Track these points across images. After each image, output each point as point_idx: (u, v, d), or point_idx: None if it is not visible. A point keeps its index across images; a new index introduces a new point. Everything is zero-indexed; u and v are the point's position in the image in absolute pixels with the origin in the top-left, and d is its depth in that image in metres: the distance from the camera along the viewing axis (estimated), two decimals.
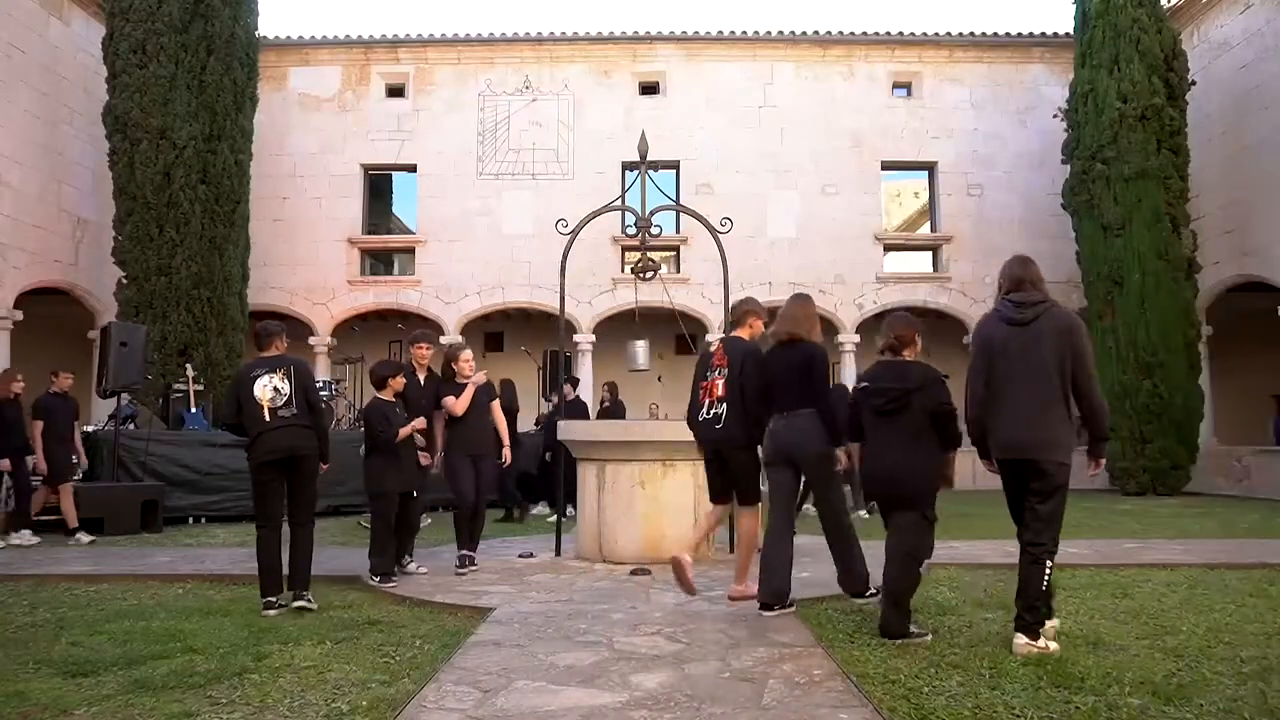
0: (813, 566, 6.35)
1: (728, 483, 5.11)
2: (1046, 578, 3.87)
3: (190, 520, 10.22)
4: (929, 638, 4.10)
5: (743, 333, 5.30)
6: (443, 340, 16.88)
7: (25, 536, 8.35)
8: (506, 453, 6.67)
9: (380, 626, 4.56)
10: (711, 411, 5.07)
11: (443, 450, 6.47)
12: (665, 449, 6.55)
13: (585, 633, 4.28)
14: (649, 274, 7.79)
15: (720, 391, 5.04)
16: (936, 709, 3.06)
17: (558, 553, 7.03)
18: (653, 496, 6.50)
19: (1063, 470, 3.90)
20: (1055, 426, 3.86)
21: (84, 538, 8.53)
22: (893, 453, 4.21)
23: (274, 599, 4.96)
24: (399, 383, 6.05)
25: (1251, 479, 14.35)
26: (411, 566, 6.24)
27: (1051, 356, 3.89)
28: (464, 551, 6.33)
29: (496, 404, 6.69)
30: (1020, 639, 3.81)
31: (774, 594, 4.66)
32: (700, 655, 3.80)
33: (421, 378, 6.54)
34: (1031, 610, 3.85)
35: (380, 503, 5.87)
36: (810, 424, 4.72)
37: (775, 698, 3.19)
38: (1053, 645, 3.83)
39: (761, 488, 5.10)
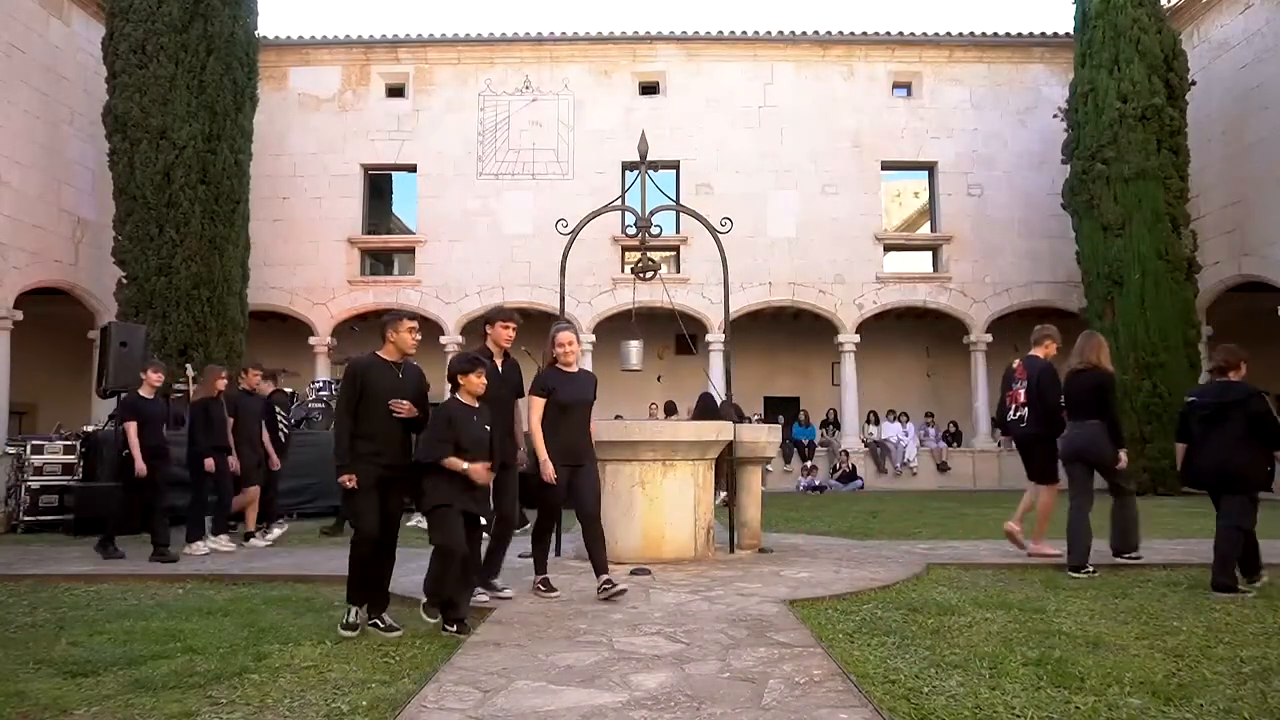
0: (813, 566, 6.37)
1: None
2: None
3: None
4: (1251, 594, 5.17)
5: (1039, 352, 6.78)
6: (441, 340, 16.91)
7: (222, 542, 7.73)
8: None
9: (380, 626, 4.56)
10: (1017, 414, 6.73)
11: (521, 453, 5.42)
12: (665, 449, 6.55)
13: (585, 633, 4.27)
14: (649, 274, 7.79)
15: (1022, 399, 6.69)
16: (936, 709, 3.06)
17: (558, 553, 7.02)
18: (652, 497, 6.49)
19: None
20: None
21: (259, 542, 8.07)
22: (1216, 452, 5.36)
23: (379, 619, 4.51)
24: (477, 383, 4.70)
25: None
26: (508, 592, 5.19)
27: None
28: (541, 577, 5.39)
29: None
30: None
31: (1078, 558, 5.97)
32: (700, 655, 3.80)
33: (499, 363, 5.35)
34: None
35: (436, 520, 4.58)
36: (1095, 432, 6.12)
37: (775, 698, 3.18)
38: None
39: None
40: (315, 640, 4.21)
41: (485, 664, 3.67)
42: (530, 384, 5.44)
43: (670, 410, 12.04)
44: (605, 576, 5.13)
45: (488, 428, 4.75)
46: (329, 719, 3.07)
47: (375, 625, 4.46)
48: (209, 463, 7.68)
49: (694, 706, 3.09)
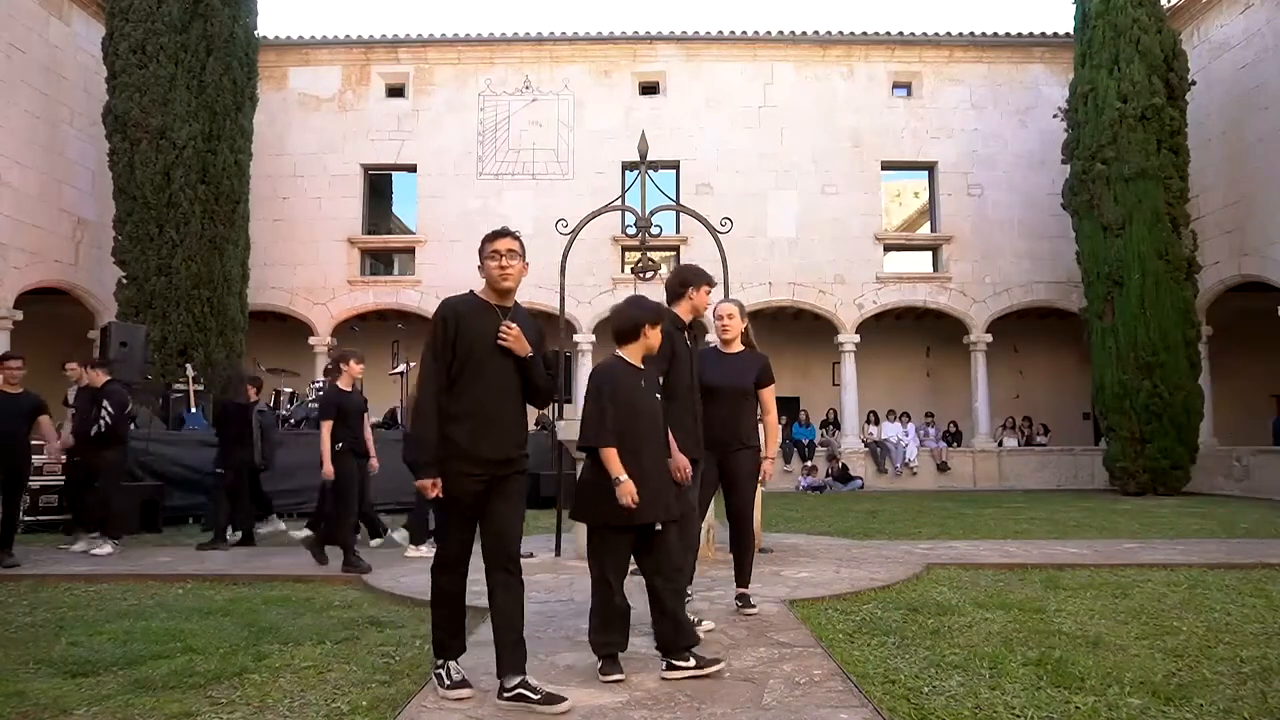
0: (813, 566, 6.36)
1: None
2: None
3: (190, 520, 10.22)
4: None
5: None
6: None
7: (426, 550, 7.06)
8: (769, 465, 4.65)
9: (380, 626, 4.56)
10: None
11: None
12: None
13: (585, 633, 4.26)
14: (649, 274, 7.78)
15: None
16: (936, 709, 3.06)
17: (558, 553, 7.03)
18: None
19: None
20: None
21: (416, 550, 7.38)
22: None
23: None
24: (656, 340, 3.72)
25: (1251, 479, 14.35)
26: (706, 624, 4.19)
27: None
28: (741, 590, 4.72)
29: (770, 390, 4.76)
30: None
31: None
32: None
33: (688, 336, 4.49)
34: None
35: (593, 544, 3.64)
36: None
37: (775, 698, 3.19)
38: None
39: None
40: (315, 640, 4.20)
41: (485, 664, 3.66)
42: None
43: None
44: (742, 590, 4.67)
45: (659, 397, 3.75)
46: (329, 719, 3.07)
47: (438, 676, 3.31)
48: (374, 464, 7.24)
49: (694, 706, 3.09)
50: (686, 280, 4.47)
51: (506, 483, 3.23)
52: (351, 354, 7.10)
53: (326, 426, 6.69)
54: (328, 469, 6.62)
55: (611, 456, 3.44)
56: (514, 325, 3.20)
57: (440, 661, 3.31)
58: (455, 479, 3.15)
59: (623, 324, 3.68)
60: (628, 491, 3.40)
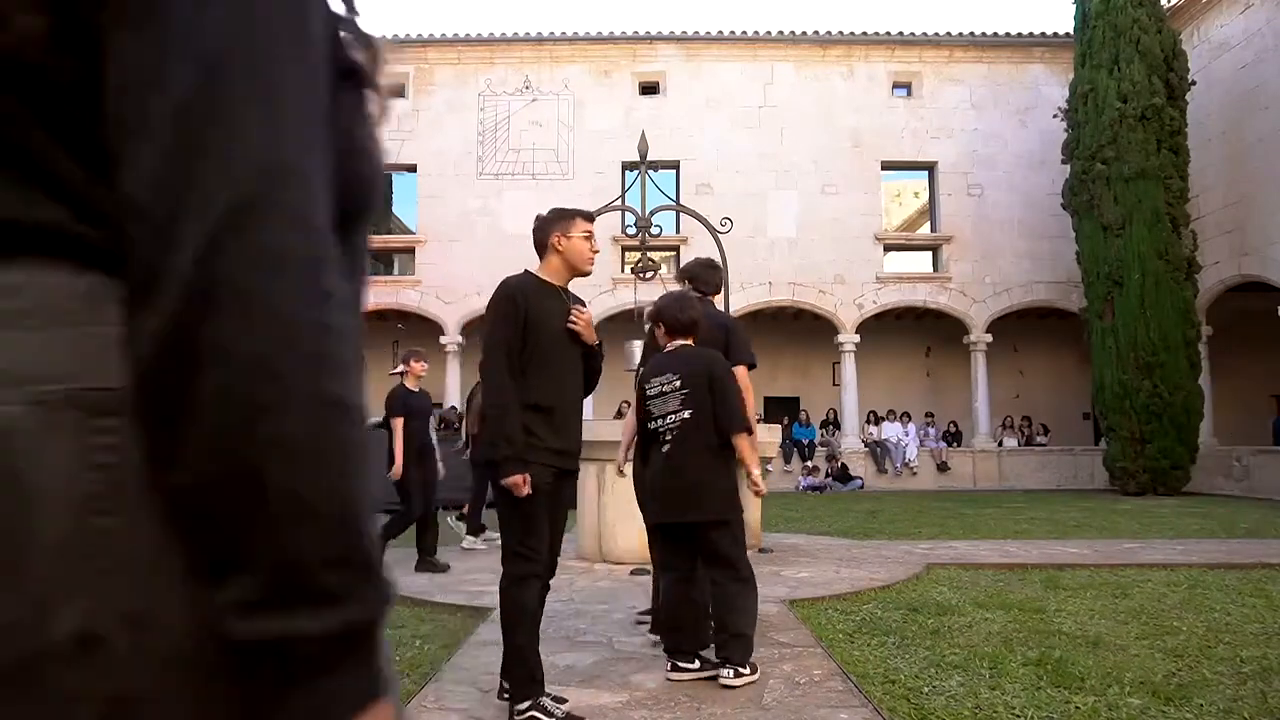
0: (813, 566, 6.37)
1: None
2: None
3: None
4: None
5: None
6: (441, 340, 16.90)
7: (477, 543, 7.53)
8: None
9: None
10: None
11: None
12: None
13: (585, 633, 4.27)
14: (649, 274, 7.78)
15: None
16: (936, 709, 3.06)
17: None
18: None
19: None
20: None
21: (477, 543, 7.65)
22: None
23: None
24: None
25: (1251, 479, 14.35)
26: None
27: None
28: None
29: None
30: None
31: None
32: None
33: None
34: None
35: (737, 533, 3.50)
36: None
37: (775, 698, 3.19)
38: None
39: None
40: None
41: (485, 664, 3.67)
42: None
43: None
44: None
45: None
46: None
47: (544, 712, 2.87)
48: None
49: (694, 707, 3.09)
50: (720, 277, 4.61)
51: (559, 483, 3.03)
52: (413, 354, 6.97)
53: (398, 424, 6.51)
54: (398, 468, 6.48)
55: (748, 449, 3.50)
56: (585, 309, 3.10)
57: (529, 703, 2.84)
58: (537, 470, 2.87)
59: (681, 320, 3.71)
60: (759, 480, 3.50)
